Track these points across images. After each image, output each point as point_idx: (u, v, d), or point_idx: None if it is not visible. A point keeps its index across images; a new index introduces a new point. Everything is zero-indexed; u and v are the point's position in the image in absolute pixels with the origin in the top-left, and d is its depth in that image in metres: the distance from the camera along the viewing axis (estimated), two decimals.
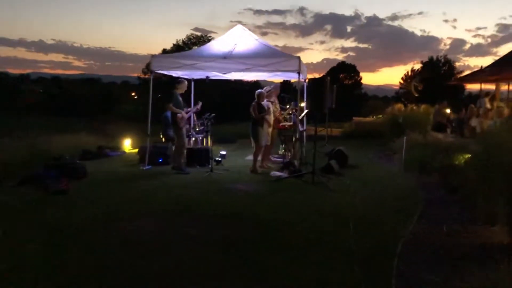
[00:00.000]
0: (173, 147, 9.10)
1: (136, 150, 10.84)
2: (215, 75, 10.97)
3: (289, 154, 10.23)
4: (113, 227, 5.08)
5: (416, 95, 29.83)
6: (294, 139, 9.56)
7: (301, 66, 8.43)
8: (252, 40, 9.42)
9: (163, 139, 10.24)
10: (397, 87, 49.74)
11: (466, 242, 4.83)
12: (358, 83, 60.33)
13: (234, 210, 5.81)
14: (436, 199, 6.82)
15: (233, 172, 8.75)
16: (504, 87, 15.70)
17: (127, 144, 12.95)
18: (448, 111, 13.09)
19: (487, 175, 5.41)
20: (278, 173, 8.40)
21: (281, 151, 10.83)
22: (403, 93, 39.00)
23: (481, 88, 14.22)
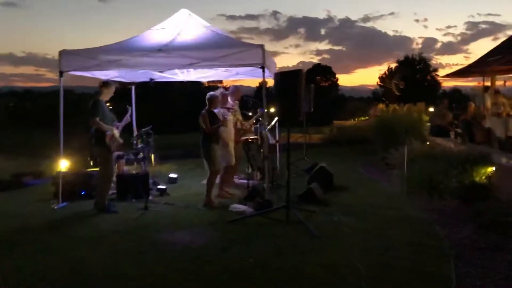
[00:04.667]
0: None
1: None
2: (163, 76, 8.60)
3: (258, 175, 7.95)
4: None
5: (398, 93, 27.94)
6: (262, 156, 7.27)
7: (266, 58, 6.12)
8: (200, 27, 7.05)
9: (91, 163, 7.78)
10: (372, 88, 48.68)
11: None
12: (335, 84, 58.98)
13: None
14: (467, 243, 4.63)
15: (179, 207, 6.34)
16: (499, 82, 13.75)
17: (64, 166, 10.36)
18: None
19: None
20: (240, 207, 6.05)
21: (249, 170, 8.53)
22: (384, 92, 37.23)
23: (484, 83, 12.17)
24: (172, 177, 8.23)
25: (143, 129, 6.64)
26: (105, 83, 6.24)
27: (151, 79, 8.80)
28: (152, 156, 8.15)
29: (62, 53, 6.36)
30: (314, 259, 4.16)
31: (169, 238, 4.85)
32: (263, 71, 6.12)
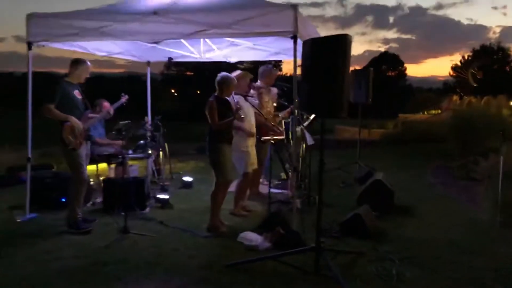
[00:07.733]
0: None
1: None
2: (185, 56, 6.93)
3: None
4: None
5: (475, 84, 24.70)
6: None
7: (298, 24, 4.21)
8: None
9: None
10: (443, 78, 44.88)
11: None
12: (402, 74, 55.54)
13: None
14: None
15: (173, 231, 4.62)
16: None
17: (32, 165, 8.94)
18: None
19: None
20: (253, 237, 4.24)
21: (283, 176, 6.74)
22: (458, 83, 33.64)
23: None
24: (187, 181, 6.59)
25: (122, 122, 4.93)
26: (73, 61, 4.61)
27: (170, 58, 7.15)
28: (161, 154, 6.58)
29: (30, 17, 4.82)
30: None
31: None
32: (295, 42, 4.24)
